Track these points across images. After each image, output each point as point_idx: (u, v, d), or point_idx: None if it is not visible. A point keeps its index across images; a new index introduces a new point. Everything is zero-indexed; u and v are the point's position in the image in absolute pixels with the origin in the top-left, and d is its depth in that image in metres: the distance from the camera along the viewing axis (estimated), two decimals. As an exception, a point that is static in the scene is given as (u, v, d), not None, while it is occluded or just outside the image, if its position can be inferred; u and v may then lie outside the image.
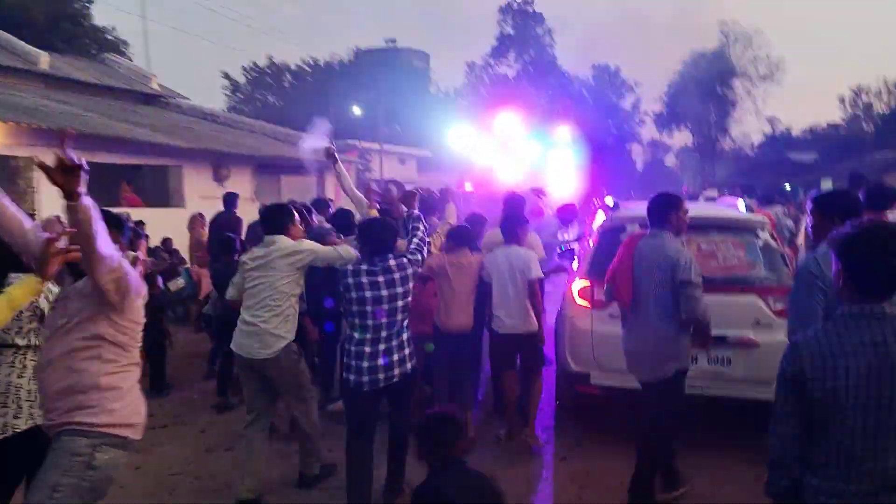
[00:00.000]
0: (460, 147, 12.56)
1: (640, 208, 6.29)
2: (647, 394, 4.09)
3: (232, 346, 4.24)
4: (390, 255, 3.84)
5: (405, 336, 3.90)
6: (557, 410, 5.89)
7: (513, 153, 11.65)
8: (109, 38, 25.37)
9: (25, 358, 2.88)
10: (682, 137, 57.07)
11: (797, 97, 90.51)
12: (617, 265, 4.13)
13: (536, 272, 5.09)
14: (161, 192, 11.70)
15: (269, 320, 4.08)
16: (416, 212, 4.53)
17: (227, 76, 38.83)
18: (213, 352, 6.81)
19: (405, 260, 3.87)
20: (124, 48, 25.27)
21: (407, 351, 3.89)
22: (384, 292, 3.75)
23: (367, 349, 3.74)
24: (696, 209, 5.98)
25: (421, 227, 4.22)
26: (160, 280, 6.75)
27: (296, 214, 4.53)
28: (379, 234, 3.91)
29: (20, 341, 2.88)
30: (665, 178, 54.88)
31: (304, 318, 4.90)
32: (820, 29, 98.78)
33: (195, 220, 9.13)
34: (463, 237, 5.32)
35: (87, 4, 24.99)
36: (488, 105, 12.25)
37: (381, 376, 3.75)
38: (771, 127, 52.51)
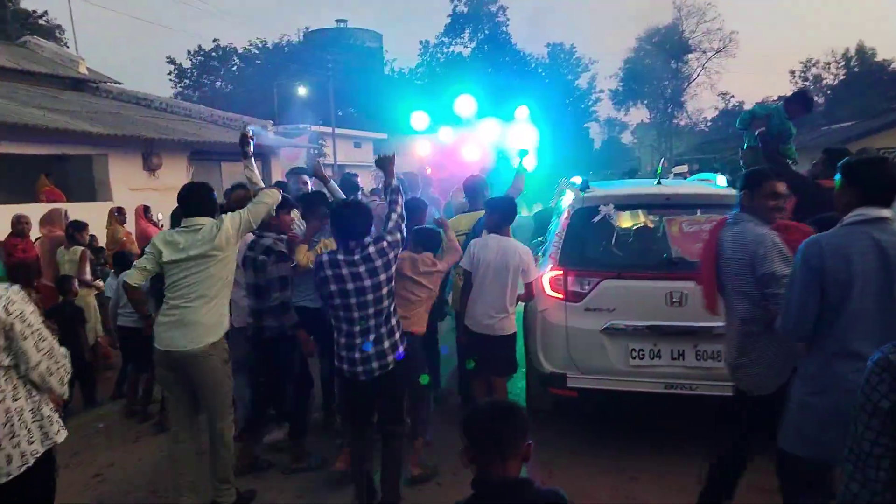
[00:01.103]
0: (420, 129, 12.11)
1: (613, 188, 5.81)
2: (741, 407, 3.33)
3: (154, 345, 3.70)
4: (368, 241, 3.57)
5: (394, 320, 3.71)
6: (531, 417, 5.31)
7: (471, 134, 11.35)
8: (41, 23, 23.85)
9: (13, 377, 2.48)
10: (638, 114, 57.44)
11: (749, 71, 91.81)
12: (701, 263, 3.56)
13: (534, 273, 4.56)
14: (86, 185, 10.69)
15: (199, 308, 3.61)
16: (395, 182, 4.04)
17: (171, 61, 37.12)
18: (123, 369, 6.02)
19: (384, 244, 3.59)
20: (60, 34, 23.79)
21: (398, 335, 3.72)
22: (367, 282, 3.51)
23: (358, 340, 3.56)
24: (676, 187, 5.47)
25: (399, 202, 3.88)
26: (74, 284, 5.94)
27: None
28: (352, 219, 3.60)
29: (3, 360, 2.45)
30: (623, 156, 55.11)
31: (299, 331, 4.49)
32: (769, 2, 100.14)
33: (111, 216, 8.24)
34: (429, 240, 4.56)
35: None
36: (444, 85, 11.70)
37: (376, 364, 3.60)
38: (724, 102, 52.99)
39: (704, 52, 50.85)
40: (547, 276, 4.76)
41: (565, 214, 5.03)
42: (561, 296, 4.66)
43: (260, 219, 3.91)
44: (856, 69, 47.02)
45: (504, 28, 48.37)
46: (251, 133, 5.02)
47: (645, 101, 54.03)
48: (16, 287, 2.49)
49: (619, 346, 4.52)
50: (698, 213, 4.73)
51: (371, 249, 3.54)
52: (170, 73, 37.67)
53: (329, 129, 24.96)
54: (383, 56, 45.16)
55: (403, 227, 3.81)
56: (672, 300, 4.43)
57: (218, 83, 36.63)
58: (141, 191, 9.78)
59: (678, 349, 4.48)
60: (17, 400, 2.50)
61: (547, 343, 4.75)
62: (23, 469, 2.46)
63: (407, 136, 12.65)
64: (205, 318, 3.61)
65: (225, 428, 3.75)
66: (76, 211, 8.15)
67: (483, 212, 5.25)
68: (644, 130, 58.73)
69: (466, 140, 11.26)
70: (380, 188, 5.03)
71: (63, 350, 2.59)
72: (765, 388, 3.13)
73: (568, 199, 5.28)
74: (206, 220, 3.72)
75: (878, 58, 45.66)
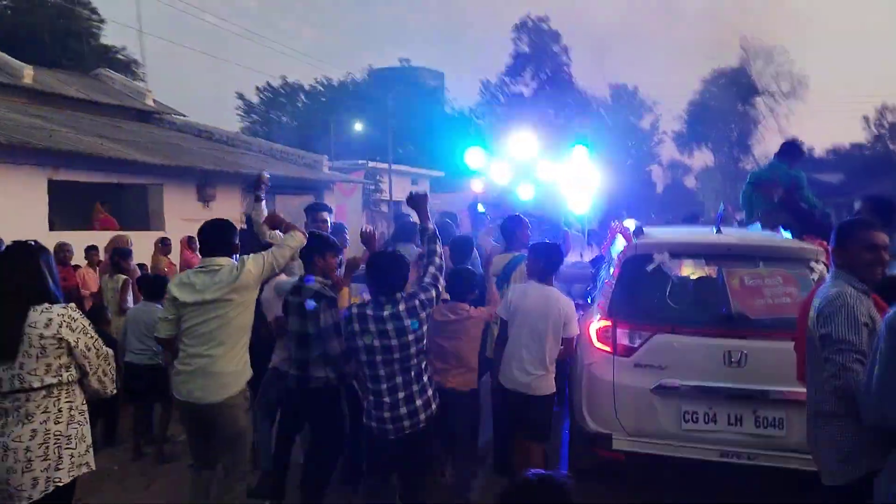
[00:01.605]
0: (474, 167, 12.04)
1: (668, 233, 5.51)
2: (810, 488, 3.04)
3: (173, 391, 3.53)
4: (400, 296, 3.37)
5: (425, 378, 3.50)
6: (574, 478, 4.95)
7: (528, 174, 11.19)
8: (119, 57, 25.08)
9: (59, 400, 2.63)
10: (702, 157, 56.11)
11: (819, 116, 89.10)
12: (797, 325, 3.26)
13: (575, 328, 4.26)
14: (140, 214, 10.92)
15: (220, 357, 3.38)
16: (432, 226, 3.77)
17: (241, 97, 38.58)
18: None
19: (417, 302, 3.38)
20: (135, 68, 24.95)
21: (430, 393, 3.51)
22: (394, 342, 3.32)
23: (387, 399, 3.37)
24: (737, 235, 5.13)
25: (437, 251, 3.64)
26: (107, 314, 5.92)
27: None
28: (386, 271, 3.42)
29: (50, 380, 2.60)
30: (686, 200, 53.84)
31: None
32: (842, 46, 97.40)
33: (156, 246, 8.27)
34: (461, 284, 4.37)
35: (98, 23, 24.74)
36: (504, 124, 11.64)
37: (407, 423, 3.39)
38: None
39: (773, 95, 49.56)
40: (595, 326, 4.46)
41: (617, 261, 4.75)
42: (609, 349, 4.35)
43: (284, 262, 3.70)
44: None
45: (566, 68, 48.40)
46: (267, 177, 5.06)
47: (710, 145, 52.84)
48: (72, 304, 2.73)
49: (671, 407, 4.18)
50: (761, 266, 4.38)
51: (401, 307, 3.35)
52: (238, 109, 39.34)
53: (386, 166, 25.25)
54: (444, 95, 45.75)
55: (442, 280, 3.60)
56: (730, 360, 4.08)
57: (284, 119, 37.73)
58: (194, 221, 9.87)
59: (736, 414, 4.11)
60: (58, 423, 2.59)
61: (592, 399, 4.43)
62: (42, 495, 2.51)
63: (465, 175, 12.59)
64: (227, 367, 3.41)
65: (236, 481, 3.56)
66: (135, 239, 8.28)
67: (517, 253, 5.02)
68: (708, 174, 57.34)
69: (522, 179, 11.10)
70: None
71: (109, 350, 2.83)
72: (835, 476, 2.72)
73: (620, 245, 4.99)
74: (225, 261, 3.50)
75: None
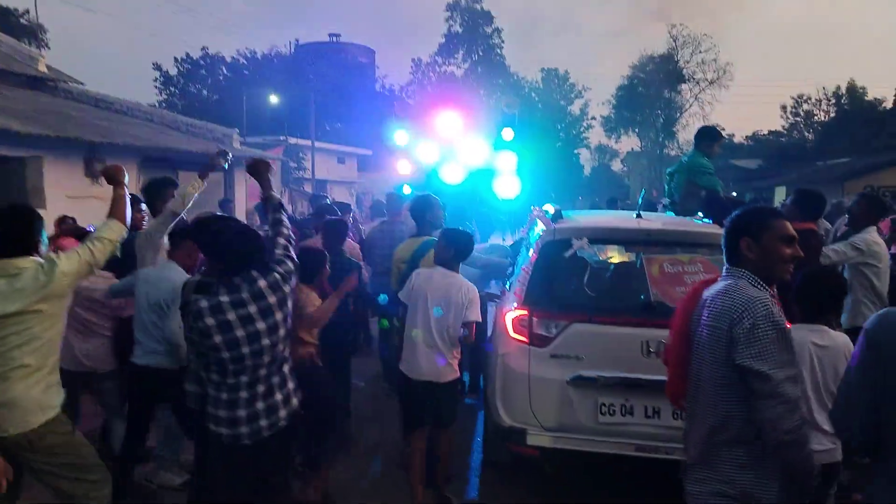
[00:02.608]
0: (400, 145, 11.65)
1: (588, 218, 5.30)
2: None
3: None
4: (256, 273, 2.83)
5: (286, 368, 3.00)
6: (488, 471, 4.75)
7: (456, 153, 10.86)
8: (23, 21, 23.26)
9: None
10: (629, 142, 57.39)
11: (741, 104, 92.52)
12: (671, 332, 2.69)
13: (477, 314, 4.02)
14: (16, 191, 9.60)
15: (19, 381, 2.73)
16: (277, 196, 3.38)
17: (157, 67, 36.48)
18: None
19: (277, 276, 2.87)
20: (41, 34, 23.19)
21: (291, 385, 3.01)
22: (260, 325, 2.79)
23: (244, 394, 2.81)
24: (657, 221, 4.97)
25: (285, 221, 3.20)
26: None
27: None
28: (238, 246, 2.86)
29: None
30: (613, 184, 54.97)
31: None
32: (762, 37, 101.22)
33: (57, 228, 7.51)
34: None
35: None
36: (434, 104, 11.29)
37: (265, 423, 2.85)
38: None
39: (698, 82, 50.97)
40: (510, 315, 4.22)
41: (534, 247, 4.51)
42: (525, 339, 4.12)
43: (104, 259, 3.01)
44: (846, 107, 47.20)
45: (499, 50, 48.33)
46: (230, 156, 4.58)
47: (636, 130, 54.02)
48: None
49: (588, 400, 3.99)
50: (682, 252, 4.22)
51: (261, 284, 2.83)
52: (156, 80, 37.25)
53: (309, 143, 24.21)
54: (375, 72, 44.88)
55: (293, 252, 3.10)
56: (648, 350, 3.92)
57: (204, 92, 36.02)
58: (81, 199, 8.89)
59: (653, 406, 3.95)
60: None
61: (507, 392, 4.19)
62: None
63: (394, 154, 12.20)
64: (30, 393, 2.75)
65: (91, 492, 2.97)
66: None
67: (426, 238, 4.73)
68: (634, 159, 58.67)
69: (448, 160, 10.79)
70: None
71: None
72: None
73: (539, 230, 4.75)
74: (28, 263, 2.78)
75: (869, 96, 45.88)
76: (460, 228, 4.36)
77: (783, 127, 53.18)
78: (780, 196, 19.97)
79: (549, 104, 50.46)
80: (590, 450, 4.00)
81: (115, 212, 3.14)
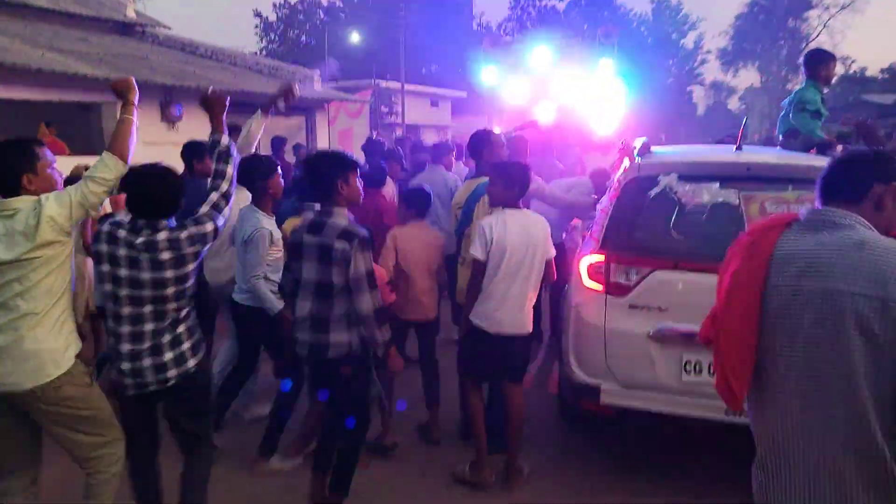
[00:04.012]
0: (490, 84, 11.20)
1: (678, 152, 4.71)
2: None
3: None
4: (163, 224, 2.72)
5: (183, 328, 2.83)
6: (563, 434, 4.42)
7: (551, 90, 10.25)
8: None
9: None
10: (748, 77, 53.38)
11: (875, 33, 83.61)
12: (722, 296, 1.98)
13: (552, 248, 3.74)
14: (91, 137, 9.63)
15: (28, 332, 2.59)
16: (226, 140, 3.04)
17: (258, 14, 36.94)
18: None
19: (182, 235, 2.72)
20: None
21: (186, 346, 2.84)
22: (146, 275, 2.68)
23: (128, 346, 2.74)
24: (761, 154, 4.35)
25: (228, 173, 2.95)
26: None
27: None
28: (150, 192, 2.71)
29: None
30: (729, 123, 51.46)
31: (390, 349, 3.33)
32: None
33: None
34: (420, 202, 4.08)
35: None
36: (534, 40, 10.62)
37: (151, 378, 2.77)
38: (845, 67, 48.26)
39: (827, 7, 46.25)
40: (585, 260, 3.81)
41: (616, 185, 4.04)
42: (601, 287, 3.71)
43: (99, 201, 2.70)
44: None
45: (602, -21, 45.61)
46: (297, 91, 4.34)
47: (756, 63, 49.99)
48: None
49: (671, 356, 3.56)
50: (790, 190, 3.62)
51: (161, 237, 2.68)
52: (256, 27, 37.86)
53: (399, 85, 23.68)
54: (472, 10, 43.63)
55: (227, 210, 2.90)
56: (743, 301, 3.40)
57: (303, 37, 36.30)
58: (158, 145, 8.71)
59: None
60: None
61: (581, 345, 3.83)
62: None
63: (488, 95, 11.72)
64: (42, 344, 2.60)
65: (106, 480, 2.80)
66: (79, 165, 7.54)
67: (481, 180, 4.27)
68: (754, 96, 54.55)
69: (541, 99, 10.20)
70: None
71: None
72: None
73: (623, 166, 4.26)
74: (23, 203, 2.57)
75: None
76: (514, 162, 4.00)
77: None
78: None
79: (659, 37, 47.45)
80: (672, 411, 3.60)
81: (114, 143, 2.75)
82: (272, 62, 14.22)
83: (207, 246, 2.81)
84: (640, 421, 4.06)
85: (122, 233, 2.68)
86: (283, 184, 4.14)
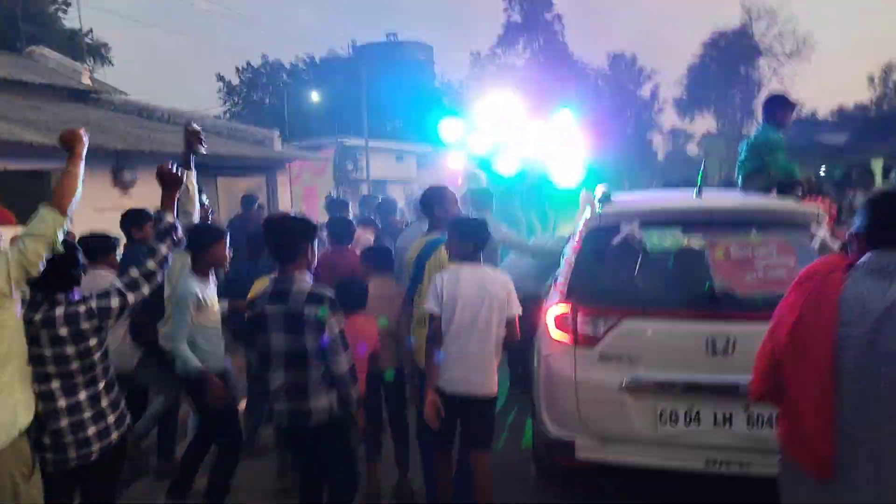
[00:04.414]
0: (449, 139, 11.15)
1: (640, 199, 4.68)
2: None
3: None
4: (61, 298, 2.69)
5: (106, 401, 2.82)
6: (540, 483, 4.25)
7: (512, 141, 10.26)
8: (87, 41, 24.05)
9: None
10: (704, 123, 55.01)
11: (822, 78, 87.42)
12: (784, 342, 1.87)
13: (517, 306, 3.57)
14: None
15: None
16: (172, 216, 3.04)
17: (221, 78, 37.22)
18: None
19: (81, 310, 2.69)
20: (105, 52, 23.96)
21: (111, 419, 2.82)
22: (47, 352, 2.65)
23: (52, 419, 2.69)
24: (721, 198, 4.37)
25: (159, 251, 2.92)
26: None
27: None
28: (55, 263, 2.64)
29: None
30: (689, 167, 52.71)
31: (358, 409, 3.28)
32: (846, 4, 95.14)
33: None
34: (384, 259, 4.06)
35: (63, 6, 23.68)
36: (492, 93, 10.71)
37: (73, 454, 2.71)
38: (796, 112, 50.06)
39: (776, 56, 48.17)
40: (552, 311, 3.74)
41: (578, 234, 4.00)
42: (569, 338, 3.62)
43: (39, 258, 2.51)
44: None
45: (560, 37, 47.07)
46: (195, 127, 4.00)
47: (712, 109, 51.63)
48: None
49: (645, 406, 3.47)
50: (753, 233, 3.62)
51: (58, 312, 2.66)
52: (219, 91, 38.10)
53: (362, 143, 23.66)
54: (433, 69, 44.60)
55: (145, 290, 2.86)
56: (715, 348, 3.36)
57: (266, 99, 36.61)
58: (110, 211, 8.60)
59: (724, 412, 3.40)
60: None
61: (551, 399, 3.72)
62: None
63: (449, 149, 11.75)
64: None
65: None
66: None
67: (433, 235, 4.16)
68: (711, 140, 56.18)
69: (503, 151, 10.25)
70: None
71: None
72: None
73: (584, 215, 4.23)
74: None
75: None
76: (470, 217, 3.98)
77: (871, 100, 49.72)
78: (878, 168, 18.19)
79: (617, 89, 48.88)
80: (650, 464, 3.48)
81: (55, 196, 2.61)
82: (230, 123, 14.22)
83: (111, 320, 2.75)
84: (619, 475, 3.91)
85: (37, 316, 2.63)
86: (228, 252, 4.05)
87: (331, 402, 3.10)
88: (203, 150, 3.95)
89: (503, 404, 5.42)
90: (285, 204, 12.63)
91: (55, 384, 2.66)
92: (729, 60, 47.35)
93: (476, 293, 3.50)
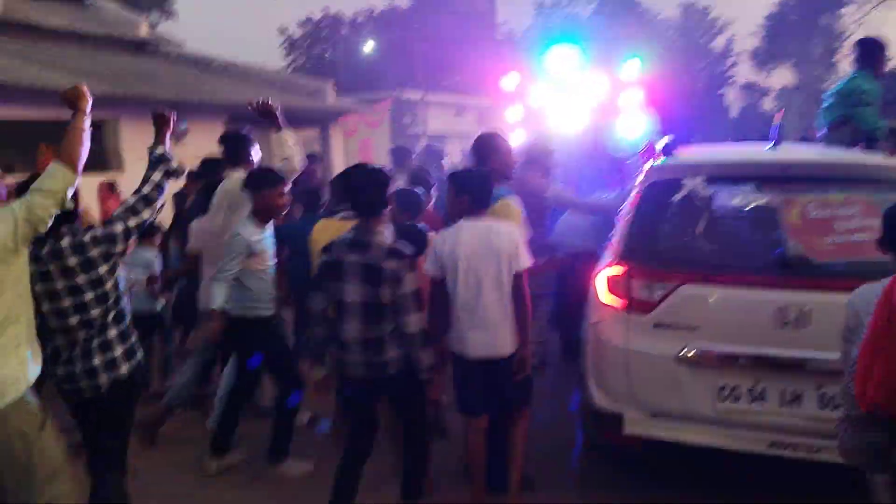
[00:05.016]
0: (509, 90, 10.72)
1: (706, 152, 4.25)
2: None
3: None
4: (64, 230, 2.70)
5: (114, 332, 2.82)
6: (584, 463, 3.99)
7: (572, 95, 9.77)
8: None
9: None
10: (781, 78, 52.08)
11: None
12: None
13: (525, 259, 3.25)
14: (96, 155, 9.61)
15: None
16: (162, 148, 3.03)
17: (282, 31, 37.32)
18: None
19: (86, 238, 2.71)
20: (168, 5, 24.16)
21: (119, 351, 2.82)
22: (59, 284, 2.67)
23: (64, 355, 2.76)
24: (800, 152, 3.93)
25: (156, 181, 2.92)
26: None
27: None
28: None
29: None
30: (764, 125, 50.29)
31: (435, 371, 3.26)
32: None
33: (102, 191, 7.25)
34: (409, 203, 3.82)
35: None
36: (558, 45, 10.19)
37: (84, 384, 2.77)
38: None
39: (862, 5, 44.90)
40: (604, 273, 3.44)
41: (636, 189, 3.66)
42: (621, 303, 3.33)
43: (48, 215, 2.46)
44: None
45: (629, -15, 45.07)
46: (261, 100, 4.26)
47: (791, 62, 48.80)
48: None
49: (703, 381, 3.18)
50: (835, 192, 3.21)
51: (64, 243, 2.67)
52: (281, 45, 38.13)
53: (419, 97, 23.21)
54: (495, 20, 43.36)
55: (145, 214, 2.85)
56: (786, 319, 3.03)
57: (327, 53, 36.45)
58: None
59: (792, 390, 3.08)
60: None
61: (600, 369, 3.46)
62: None
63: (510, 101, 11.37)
64: None
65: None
66: (82, 183, 7.28)
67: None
68: (789, 96, 53.34)
69: (567, 105, 9.77)
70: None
71: None
72: None
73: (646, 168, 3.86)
74: None
75: None
76: (465, 169, 3.77)
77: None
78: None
79: (688, 43, 46.71)
80: (706, 443, 3.20)
81: (63, 152, 2.57)
82: (285, 75, 14.09)
83: (119, 247, 2.75)
84: (673, 454, 3.62)
85: (44, 249, 2.64)
86: (286, 199, 4.00)
87: (405, 355, 3.12)
88: (275, 107, 4.21)
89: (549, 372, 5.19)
90: (338, 156, 12.52)
91: (73, 319, 2.69)
92: (810, 9, 44.46)
93: (480, 250, 3.20)
